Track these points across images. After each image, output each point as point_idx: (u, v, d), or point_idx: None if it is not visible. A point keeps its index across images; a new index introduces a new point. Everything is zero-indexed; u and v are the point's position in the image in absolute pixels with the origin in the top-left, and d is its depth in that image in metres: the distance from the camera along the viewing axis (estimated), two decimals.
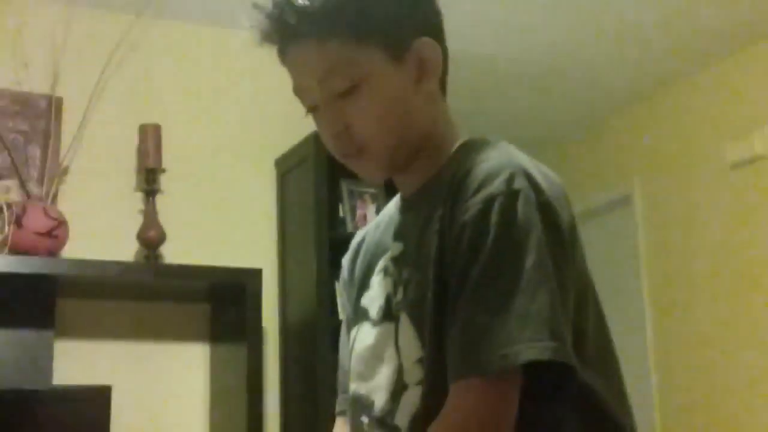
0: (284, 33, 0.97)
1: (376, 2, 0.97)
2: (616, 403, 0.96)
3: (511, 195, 0.88)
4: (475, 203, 0.89)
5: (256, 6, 0.99)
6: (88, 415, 2.57)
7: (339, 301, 1.18)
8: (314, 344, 2.63)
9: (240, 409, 2.67)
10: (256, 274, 2.66)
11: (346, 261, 1.19)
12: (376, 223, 1.17)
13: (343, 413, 1.15)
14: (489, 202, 0.88)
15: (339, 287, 1.23)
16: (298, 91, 1.01)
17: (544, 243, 0.88)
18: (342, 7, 0.95)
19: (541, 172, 0.94)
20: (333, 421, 1.18)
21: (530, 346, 0.84)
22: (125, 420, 2.58)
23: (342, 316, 1.21)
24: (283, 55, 1.01)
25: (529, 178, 0.90)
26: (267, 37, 0.99)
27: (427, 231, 0.97)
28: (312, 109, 1.01)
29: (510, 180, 0.88)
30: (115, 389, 2.50)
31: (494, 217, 0.87)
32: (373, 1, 0.97)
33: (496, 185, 0.88)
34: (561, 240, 0.90)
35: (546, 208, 0.90)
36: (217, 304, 2.86)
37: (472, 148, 0.98)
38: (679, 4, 2.97)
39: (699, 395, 3.35)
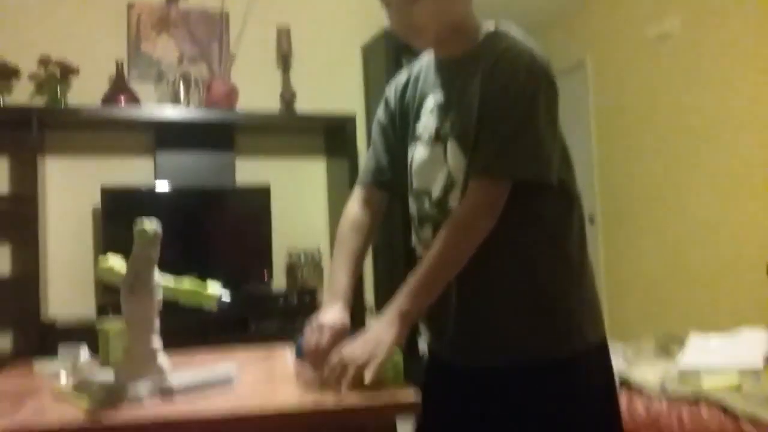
0: None
1: None
2: (573, 185, 1.28)
3: (530, 69, 1.18)
4: (506, 71, 1.19)
5: None
6: (256, 204, 3.83)
7: (379, 112, 1.44)
8: None
9: (345, 203, 3.74)
10: (351, 118, 3.93)
11: (391, 92, 1.43)
12: (415, 72, 1.40)
13: (367, 187, 1.44)
14: (516, 72, 1.18)
15: (382, 106, 1.47)
16: None
17: (549, 99, 1.20)
18: None
19: (541, 53, 1.22)
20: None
21: (530, 167, 1.17)
22: (279, 206, 3.94)
23: (380, 119, 1.46)
24: None
25: (540, 59, 1.20)
26: None
27: (468, 87, 1.23)
28: (387, 5, 1.26)
29: (530, 61, 1.19)
30: (273, 187, 3.86)
31: (521, 78, 1.18)
32: None
33: (521, 63, 1.18)
34: (556, 99, 1.22)
35: (550, 79, 1.21)
36: (329, 136, 4.15)
37: (502, 36, 1.24)
38: None
39: (634, 176, 3.96)
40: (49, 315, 3.60)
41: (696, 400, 1.71)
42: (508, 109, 1.18)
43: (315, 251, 4.02)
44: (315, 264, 4.00)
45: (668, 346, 2.44)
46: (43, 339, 3.32)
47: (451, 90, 1.28)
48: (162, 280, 1.22)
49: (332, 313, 1.29)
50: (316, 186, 4.20)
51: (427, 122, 1.31)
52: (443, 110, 1.28)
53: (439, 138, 1.28)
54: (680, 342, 2.47)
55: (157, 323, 1.20)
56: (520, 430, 1.23)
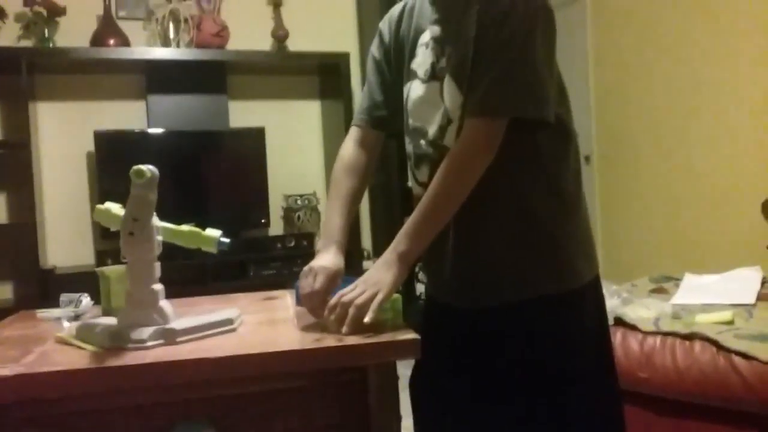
0: None
1: None
2: (570, 121, 1.27)
3: (528, 1, 1.15)
4: (503, 3, 1.15)
5: None
6: (251, 147, 3.83)
7: (373, 47, 1.42)
8: None
9: (340, 141, 3.95)
10: (345, 56, 3.88)
11: (385, 26, 1.40)
12: (410, 5, 1.35)
13: (358, 126, 1.43)
14: (514, 4, 1.15)
15: (375, 42, 1.44)
16: None
17: (546, 33, 1.17)
18: None
19: None
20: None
21: (527, 104, 1.14)
22: (274, 149, 3.93)
23: (374, 55, 1.43)
24: None
25: None
26: None
27: (465, 20, 1.18)
28: None
29: None
30: (267, 130, 3.85)
31: (519, 9, 1.14)
32: None
33: None
34: (554, 33, 1.20)
35: (548, 12, 1.19)
36: (323, 77, 4.10)
37: None
38: None
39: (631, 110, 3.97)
40: (48, 263, 3.61)
41: (689, 336, 1.75)
42: (504, 43, 1.15)
43: (311, 195, 4.03)
44: (312, 208, 4.02)
45: (663, 285, 2.47)
46: (43, 287, 3.34)
47: (448, 24, 1.24)
48: (160, 223, 1.22)
49: (325, 257, 1.30)
50: (311, 129, 4.18)
51: (422, 58, 1.28)
52: (439, 45, 1.25)
53: (435, 74, 1.25)
54: (675, 282, 2.50)
55: (157, 267, 1.21)
56: (517, 368, 1.25)
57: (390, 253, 1.22)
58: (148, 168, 1.14)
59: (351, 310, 1.15)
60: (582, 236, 1.28)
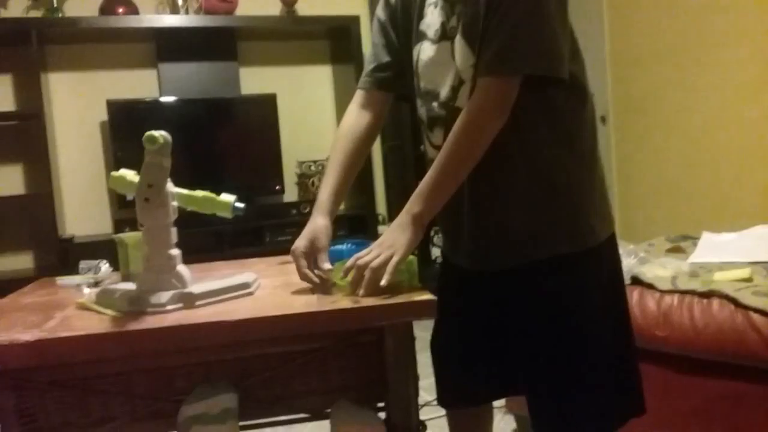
0: None
1: None
2: (584, 78, 1.24)
3: None
4: None
5: None
6: (263, 114, 3.83)
7: (378, 9, 1.39)
8: None
9: None
10: (355, 20, 3.85)
11: None
12: None
13: (366, 89, 1.40)
14: None
15: (381, 3, 1.41)
16: None
17: None
18: None
19: None
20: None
21: (540, 61, 1.12)
22: (286, 115, 3.94)
23: (379, 17, 1.39)
24: None
25: None
26: None
27: None
28: None
29: None
30: (279, 96, 3.85)
31: None
32: None
33: None
34: None
35: None
36: (333, 42, 4.07)
37: None
38: None
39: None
40: (66, 232, 3.65)
41: (707, 293, 1.74)
42: None
43: (325, 161, 4.02)
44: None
45: (680, 245, 2.45)
46: (62, 256, 3.39)
47: None
48: (175, 188, 1.23)
49: (307, 233, 1.30)
50: (322, 93, 4.16)
51: (431, 18, 1.25)
52: (449, 4, 1.22)
53: (445, 35, 1.23)
54: (692, 241, 2.48)
55: (174, 232, 1.21)
56: (534, 329, 1.25)
57: (404, 215, 1.21)
58: (160, 134, 1.14)
59: (366, 273, 1.16)
60: (597, 195, 1.27)
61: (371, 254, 1.18)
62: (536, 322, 1.25)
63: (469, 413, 1.48)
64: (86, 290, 1.45)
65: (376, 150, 4.23)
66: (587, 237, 1.24)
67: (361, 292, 1.15)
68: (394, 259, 1.16)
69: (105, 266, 1.63)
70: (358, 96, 1.42)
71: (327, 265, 1.25)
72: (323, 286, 1.24)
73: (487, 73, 1.16)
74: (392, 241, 1.19)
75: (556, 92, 1.19)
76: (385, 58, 1.39)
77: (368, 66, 1.41)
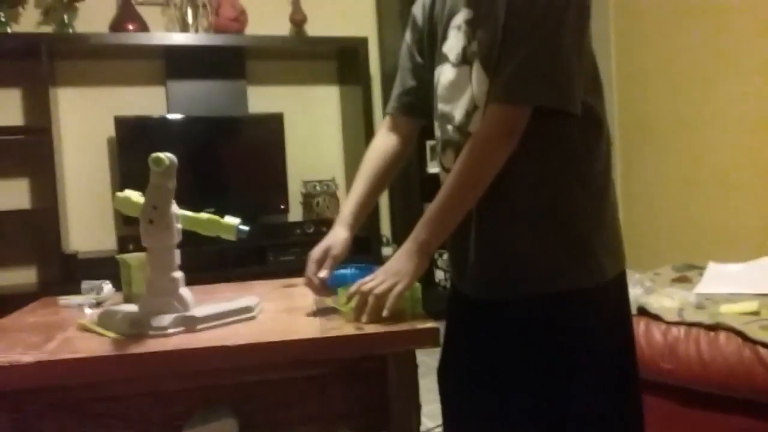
0: None
1: None
2: (603, 113, 1.22)
3: None
4: None
5: None
6: (270, 133, 3.85)
7: (406, 33, 1.39)
8: None
9: (359, 131, 3.87)
10: (363, 41, 3.86)
11: (418, 10, 1.37)
12: None
13: (392, 114, 1.43)
14: None
15: (409, 26, 1.40)
16: None
17: (580, 15, 1.13)
18: None
19: None
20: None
21: (550, 93, 1.11)
22: (293, 135, 3.98)
23: (407, 40, 1.39)
24: None
25: None
26: None
27: (496, 1, 1.14)
28: None
29: None
30: (286, 115, 3.87)
31: None
32: None
33: None
34: (588, 14, 1.16)
35: None
36: (341, 63, 4.09)
37: None
38: None
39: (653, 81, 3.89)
40: (70, 248, 3.65)
41: (714, 326, 1.72)
42: (532, 27, 1.10)
43: (330, 181, 4.03)
44: (330, 194, 4.02)
45: (686, 274, 2.43)
46: (66, 272, 3.38)
47: (479, 6, 1.19)
48: (180, 210, 1.22)
49: (325, 241, 1.33)
50: (329, 114, 4.17)
51: (454, 42, 1.24)
52: (471, 28, 1.20)
53: (465, 59, 1.21)
54: (699, 270, 2.46)
55: (177, 254, 1.21)
56: (538, 361, 1.22)
57: (410, 243, 1.20)
58: (166, 156, 1.14)
59: (370, 299, 1.15)
60: (609, 231, 1.24)
61: (375, 281, 1.17)
62: (536, 355, 1.22)
63: None
64: (88, 311, 1.44)
65: None
66: (594, 274, 1.21)
67: (364, 318, 1.14)
68: (398, 288, 1.15)
69: (108, 287, 1.62)
70: (386, 121, 1.45)
71: (323, 273, 1.29)
72: (322, 290, 1.29)
73: (497, 100, 1.15)
74: (397, 268, 1.18)
75: (569, 124, 1.17)
76: (411, 83, 1.39)
77: (395, 90, 1.43)
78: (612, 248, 1.25)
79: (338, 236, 1.33)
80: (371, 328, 1.11)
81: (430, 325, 1.12)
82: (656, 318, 1.84)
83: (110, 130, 3.62)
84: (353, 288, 1.18)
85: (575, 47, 1.13)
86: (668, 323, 1.80)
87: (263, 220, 3.89)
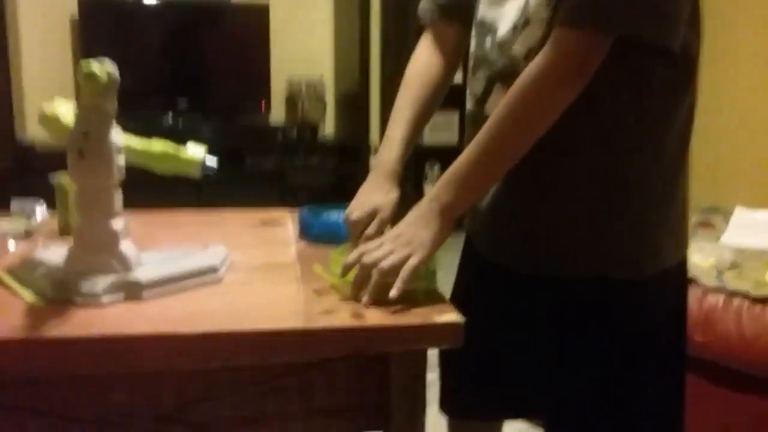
0: None
1: None
2: (697, 49, 0.93)
3: None
4: None
5: None
6: (253, 25, 3.50)
7: None
8: None
9: (352, 19, 3.48)
10: None
11: None
12: None
13: (426, 24, 1.16)
14: None
15: None
16: None
17: None
18: None
19: None
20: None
21: (646, 20, 0.83)
22: (279, 27, 3.60)
23: None
24: None
25: None
26: None
27: None
28: None
29: None
30: (271, 5, 3.51)
31: None
32: None
33: None
34: None
35: None
36: None
37: None
38: None
39: None
40: (27, 137, 3.32)
41: (761, 299, 1.48)
42: None
43: (317, 81, 3.70)
44: (317, 95, 3.70)
45: (710, 219, 2.20)
46: (20, 165, 3.07)
47: None
48: (124, 140, 0.91)
49: (369, 200, 1.02)
50: (320, 5, 3.78)
51: None
52: None
53: None
54: (724, 215, 2.23)
55: (118, 197, 0.91)
56: (574, 347, 1.01)
57: (429, 203, 0.92)
58: (103, 68, 0.82)
59: (374, 275, 0.87)
60: (676, 212, 0.98)
61: (382, 250, 0.89)
62: (577, 342, 0.99)
63: (474, 425, 1.25)
64: (12, 243, 1.16)
65: (374, 73, 3.87)
66: (653, 261, 0.97)
67: (365, 299, 0.87)
68: (411, 262, 0.88)
69: (41, 208, 1.33)
70: (425, 34, 1.16)
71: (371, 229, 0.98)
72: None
73: (568, 22, 0.85)
74: (411, 236, 0.90)
75: (656, 65, 0.88)
76: None
77: None
78: (677, 232, 1.00)
79: (387, 194, 1.03)
80: (373, 318, 0.84)
81: (452, 318, 0.84)
82: (691, 281, 1.60)
83: (72, 10, 3.22)
84: (352, 256, 0.91)
85: None
86: (705, 288, 1.56)
87: (241, 120, 3.57)
